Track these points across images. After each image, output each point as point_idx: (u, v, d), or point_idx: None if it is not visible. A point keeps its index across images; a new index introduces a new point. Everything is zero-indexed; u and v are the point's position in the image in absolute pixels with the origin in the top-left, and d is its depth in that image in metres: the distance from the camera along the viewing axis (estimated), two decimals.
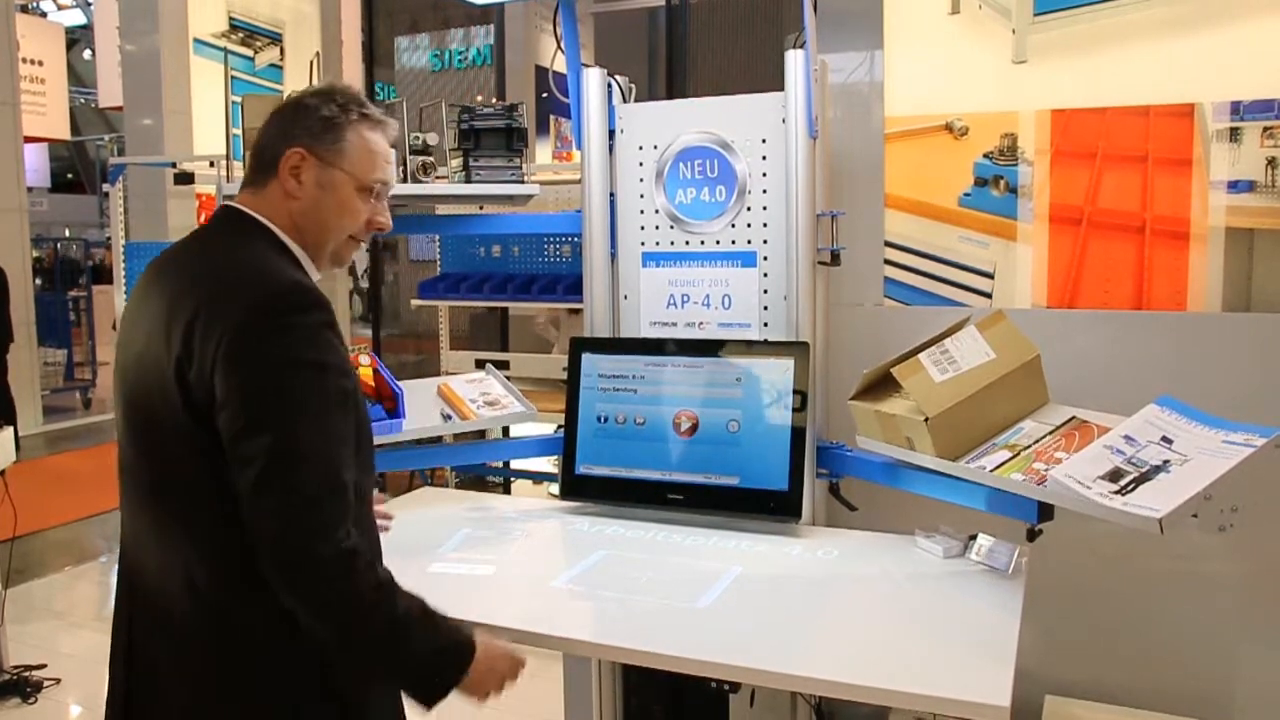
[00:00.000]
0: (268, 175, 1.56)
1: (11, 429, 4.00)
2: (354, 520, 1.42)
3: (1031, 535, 1.93)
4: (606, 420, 2.45)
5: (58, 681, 3.97)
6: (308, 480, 1.36)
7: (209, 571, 1.44)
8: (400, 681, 1.49)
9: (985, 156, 2.53)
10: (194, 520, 1.45)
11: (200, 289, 1.44)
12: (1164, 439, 1.81)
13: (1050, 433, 1.99)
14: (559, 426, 2.55)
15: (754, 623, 1.81)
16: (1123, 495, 1.71)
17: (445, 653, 1.48)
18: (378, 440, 2.40)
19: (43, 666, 4.02)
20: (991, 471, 1.94)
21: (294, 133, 1.55)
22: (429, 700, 1.47)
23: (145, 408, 1.47)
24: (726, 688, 2.02)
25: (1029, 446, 1.97)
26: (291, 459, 1.36)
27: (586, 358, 2.49)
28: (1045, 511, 1.89)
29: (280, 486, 1.35)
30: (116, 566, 1.60)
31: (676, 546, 2.19)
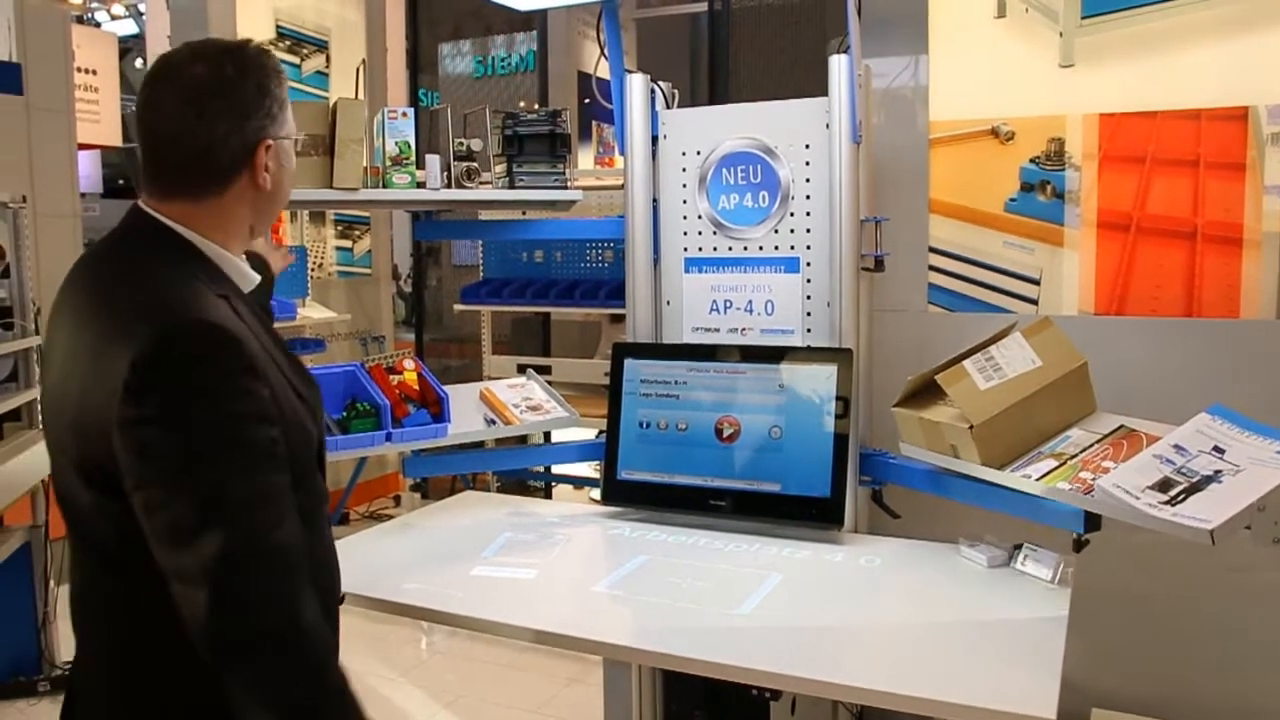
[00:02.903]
0: (225, 180, 1.32)
1: None
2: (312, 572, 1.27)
3: (1078, 545, 1.91)
4: (648, 426, 2.45)
5: None
6: (233, 550, 1.16)
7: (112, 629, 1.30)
8: None
9: (1032, 161, 2.51)
10: (107, 586, 1.30)
11: (97, 323, 1.25)
12: (1215, 449, 1.78)
13: (1098, 441, 1.96)
14: (601, 432, 2.56)
15: (796, 630, 1.80)
16: (1172, 506, 1.68)
17: None
18: (423, 445, 2.44)
19: None
20: (1037, 480, 1.92)
21: (253, 124, 1.32)
22: None
23: (55, 451, 1.31)
24: (767, 695, 2.02)
25: (1076, 455, 1.94)
26: (212, 528, 1.16)
27: (629, 363, 2.50)
28: (1092, 521, 1.86)
29: (200, 561, 1.15)
30: None
31: (718, 552, 2.19)
